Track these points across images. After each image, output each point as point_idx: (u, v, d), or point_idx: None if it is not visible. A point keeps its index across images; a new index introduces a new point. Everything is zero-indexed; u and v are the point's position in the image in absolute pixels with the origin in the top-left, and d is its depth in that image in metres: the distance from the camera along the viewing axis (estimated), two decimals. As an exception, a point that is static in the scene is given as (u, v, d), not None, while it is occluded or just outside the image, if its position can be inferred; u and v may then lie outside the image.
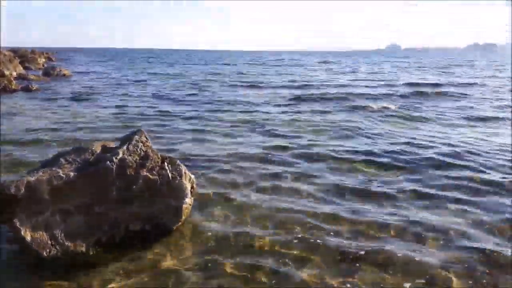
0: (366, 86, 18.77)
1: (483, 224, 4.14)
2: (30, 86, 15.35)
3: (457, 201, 4.74)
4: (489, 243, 3.76)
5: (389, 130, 8.90)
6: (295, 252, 3.56)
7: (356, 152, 6.80)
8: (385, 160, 6.35)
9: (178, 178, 3.86)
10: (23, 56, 30.97)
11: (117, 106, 12.05)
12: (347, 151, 6.89)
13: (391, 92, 16.31)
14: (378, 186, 5.19)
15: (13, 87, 15.15)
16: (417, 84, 19.42)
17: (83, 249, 3.42)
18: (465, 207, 4.56)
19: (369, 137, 8.14)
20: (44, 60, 36.49)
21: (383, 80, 22.32)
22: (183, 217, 3.91)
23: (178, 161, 3.98)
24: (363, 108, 12.22)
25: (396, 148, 7.08)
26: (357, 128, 9.09)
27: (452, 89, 17.20)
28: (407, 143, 7.48)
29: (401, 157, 6.49)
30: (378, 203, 4.65)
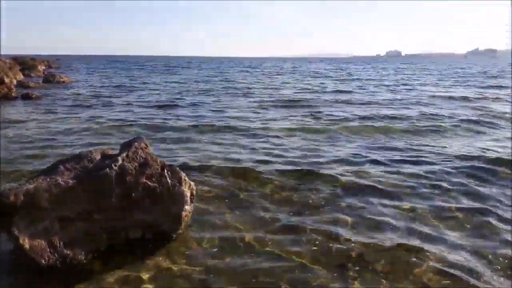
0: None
1: None
2: (30, 94, 15.36)
3: None
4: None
5: None
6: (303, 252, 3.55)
7: None
8: None
9: (178, 185, 3.84)
10: (24, 63, 31.09)
11: (117, 117, 12.05)
12: None
13: None
14: None
15: (13, 94, 15.18)
16: None
17: (83, 257, 3.40)
18: None
19: None
20: (44, 67, 36.64)
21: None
22: (183, 224, 3.89)
23: (177, 168, 3.97)
24: None
25: None
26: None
27: None
28: None
29: None
30: None
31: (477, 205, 4.74)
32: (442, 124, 10.21)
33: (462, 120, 10.86)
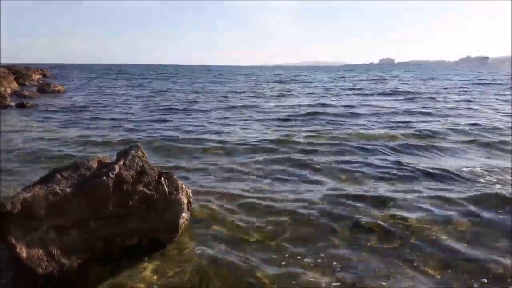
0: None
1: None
2: (24, 103, 15.32)
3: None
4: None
5: None
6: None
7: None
8: None
9: (175, 192, 3.85)
10: (18, 72, 30.99)
11: (111, 126, 12.02)
12: None
13: None
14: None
15: (7, 103, 15.13)
16: None
17: (79, 265, 3.39)
18: None
19: None
20: (38, 76, 36.55)
21: None
22: (180, 232, 3.89)
23: (174, 176, 3.98)
24: None
25: None
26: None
27: None
28: None
29: None
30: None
31: None
32: None
33: None
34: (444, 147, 8.30)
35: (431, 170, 6.32)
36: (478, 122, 11.57)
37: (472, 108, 15.26)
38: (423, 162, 7.06)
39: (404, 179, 5.99)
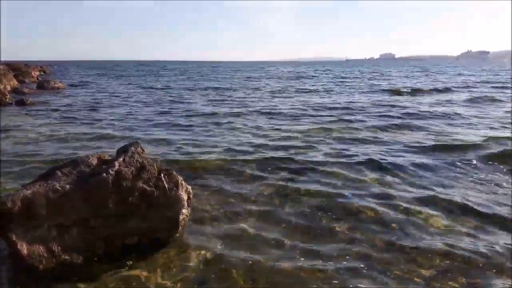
0: None
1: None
2: (24, 100, 15.30)
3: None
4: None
5: None
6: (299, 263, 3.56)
7: None
8: None
9: (175, 189, 3.85)
10: (17, 69, 30.91)
11: (109, 123, 12.00)
12: None
13: None
14: None
15: (7, 100, 15.11)
16: None
17: (80, 262, 3.40)
18: None
19: None
20: (38, 73, 36.47)
21: None
22: (180, 228, 3.90)
23: (174, 172, 3.98)
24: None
25: None
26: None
27: None
28: None
29: None
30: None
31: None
32: None
33: None
34: None
35: None
36: None
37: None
38: None
39: None
